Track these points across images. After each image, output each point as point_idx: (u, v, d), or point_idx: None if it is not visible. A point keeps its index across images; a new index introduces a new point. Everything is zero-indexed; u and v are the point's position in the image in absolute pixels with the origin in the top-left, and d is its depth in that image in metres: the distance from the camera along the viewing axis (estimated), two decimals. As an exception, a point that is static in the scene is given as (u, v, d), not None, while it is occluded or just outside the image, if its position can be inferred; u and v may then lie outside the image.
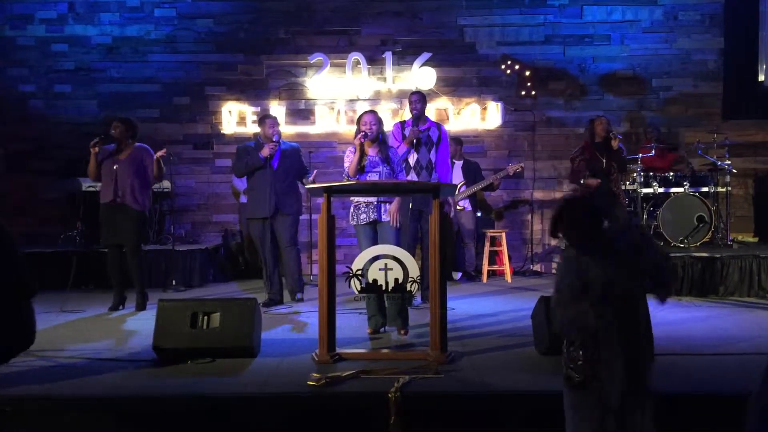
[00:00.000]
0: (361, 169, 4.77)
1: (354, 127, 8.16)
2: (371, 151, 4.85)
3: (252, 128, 8.22)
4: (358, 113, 8.24)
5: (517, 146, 8.45)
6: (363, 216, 4.77)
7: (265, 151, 5.78)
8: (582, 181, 6.06)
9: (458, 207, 7.45)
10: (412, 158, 5.73)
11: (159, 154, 5.81)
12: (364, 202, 4.78)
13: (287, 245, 5.95)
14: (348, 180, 4.73)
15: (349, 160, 4.80)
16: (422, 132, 5.77)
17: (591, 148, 6.08)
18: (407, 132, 5.79)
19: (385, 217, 4.76)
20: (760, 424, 2.03)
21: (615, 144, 5.99)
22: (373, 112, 4.96)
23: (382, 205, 4.78)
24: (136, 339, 4.67)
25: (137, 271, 5.80)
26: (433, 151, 5.79)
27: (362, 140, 4.74)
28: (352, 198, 4.90)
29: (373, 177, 4.79)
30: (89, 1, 8.42)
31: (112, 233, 5.71)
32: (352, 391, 3.44)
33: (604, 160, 6.02)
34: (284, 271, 6.08)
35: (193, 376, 3.74)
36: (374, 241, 4.70)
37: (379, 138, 4.86)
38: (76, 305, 5.90)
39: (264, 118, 6.12)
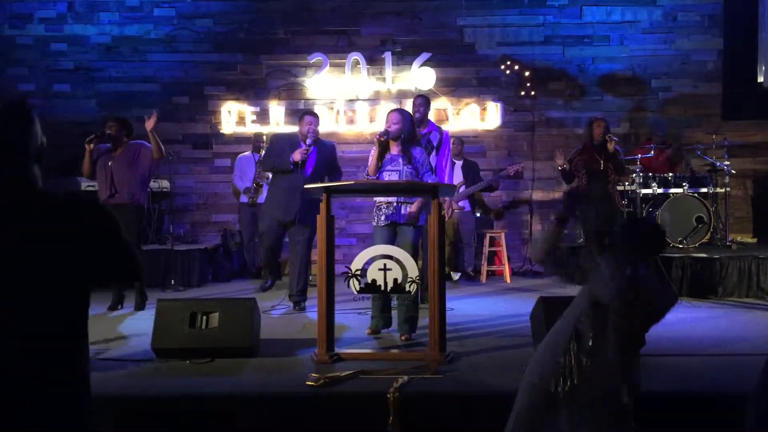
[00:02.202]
0: (380, 167, 4.67)
1: (352, 127, 8.33)
2: (394, 150, 4.71)
3: (251, 128, 8.23)
4: (358, 113, 8.34)
5: (516, 146, 8.46)
6: (383, 217, 4.67)
7: (297, 156, 5.42)
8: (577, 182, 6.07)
9: (457, 207, 7.45)
10: None
11: (149, 124, 5.66)
12: (385, 203, 4.65)
13: (300, 257, 5.64)
14: (367, 178, 4.65)
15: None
16: (422, 136, 5.73)
17: (589, 150, 6.09)
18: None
19: (403, 219, 4.66)
20: (758, 425, 2.03)
21: (611, 147, 6.00)
22: (399, 111, 4.77)
23: (402, 206, 4.66)
24: (135, 339, 4.66)
25: None
26: (432, 155, 5.76)
27: (378, 137, 4.61)
28: (375, 198, 4.82)
29: (392, 176, 4.65)
30: (88, 0, 8.42)
31: None
32: (351, 392, 3.43)
33: (602, 162, 6.01)
34: (291, 275, 5.79)
35: (192, 376, 3.74)
36: (391, 244, 4.49)
37: (401, 137, 4.68)
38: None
39: (303, 115, 5.73)
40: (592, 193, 6.03)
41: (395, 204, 4.64)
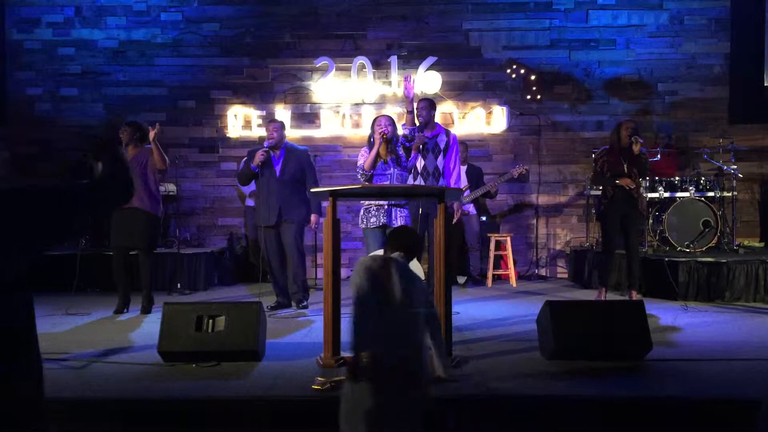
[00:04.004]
0: (384, 160, 4.83)
1: (357, 131, 8.33)
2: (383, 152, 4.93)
3: (258, 132, 8.26)
4: (363, 117, 8.35)
5: (522, 150, 8.45)
6: (373, 219, 4.75)
7: (256, 159, 5.68)
8: (617, 181, 5.98)
9: (463, 212, 7.44)
10: (419, 164, 5.70)
11: (151, 135, 5.65)
12: (375, 205, 4.77)
13: (291, 253, 5.82)
14: (363, 173, 4.78)
15: (364, 158, 4.85)
16: (429, 138, 5.73)
17: (616, 152, 6.01)
18: (415, 138, 5.78)
19: (395, 222, 4.74)
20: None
21: (636, 149, 5.92)
22: (387, 116, 5.08)
23: (393, 209, 4.75)
24: (142, 342, 4.67)
25: (147, 274, 5.79)
26: (440, 158, 5.74)
27: (381, 135, 4.82)
28: (362, 201, 4.89)
29: (383, 178, 4.84)
30: (96, 4, 8.47)
31: (121, 236, 5.69)
32: (357, 395, 3.43)
33: (625, 165, 5.95)
34: (290, 277, 5.94)
35: (198, 380, 3.75)
36: (383, 246, 4.64)
37: (392, 140, 4.95)
38: (81, 308, 5.91)
39: (268, 122, 6.12)
40: (616, 197, 5.98)
41: (386, 207, 4.72)
